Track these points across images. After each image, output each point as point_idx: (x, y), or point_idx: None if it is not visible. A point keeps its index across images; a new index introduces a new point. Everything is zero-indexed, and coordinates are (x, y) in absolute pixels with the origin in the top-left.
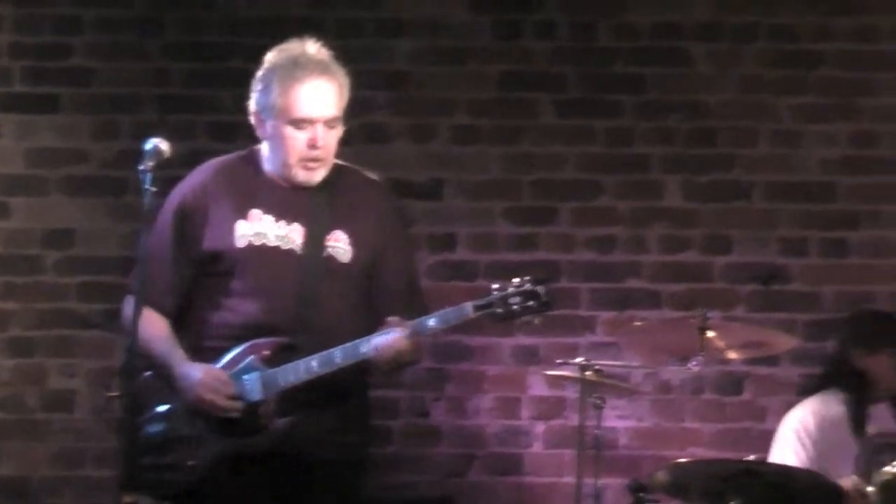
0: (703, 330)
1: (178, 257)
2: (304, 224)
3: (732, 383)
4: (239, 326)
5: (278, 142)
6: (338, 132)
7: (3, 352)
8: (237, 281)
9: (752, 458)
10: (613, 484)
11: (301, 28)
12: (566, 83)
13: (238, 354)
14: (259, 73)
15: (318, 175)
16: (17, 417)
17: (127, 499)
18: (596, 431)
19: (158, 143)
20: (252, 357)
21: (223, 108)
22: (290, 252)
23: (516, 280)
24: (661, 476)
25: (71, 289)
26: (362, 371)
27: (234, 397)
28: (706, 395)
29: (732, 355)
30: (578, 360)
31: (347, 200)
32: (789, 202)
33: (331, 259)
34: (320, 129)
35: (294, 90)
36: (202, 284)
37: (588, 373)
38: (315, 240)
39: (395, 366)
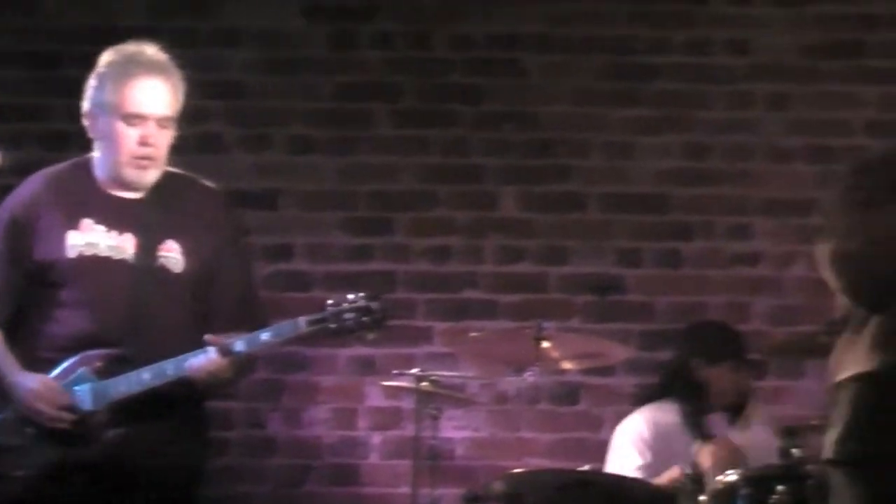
0: (538, 340)
1: (10, 269)
2: (135, 234)
3: (568, 393)
4: (70, 338)
5: (110, 139)
6: (170, 133)
7: None
8: (68, 292)
9: (587, 467)
10: (449, 494)
11: (135, 36)
12: (402, 93)
13: (70, 365)
14: (94, 73)
15: (150, 175)
16: None
17: None
18: (432, 442)
19: None
20: (84, 368)
21: (54, 117)
22: (122, 262)
23: (351, 296)
24: (497, 486)
25: None
26: (195, 383)
27: (65, 408)
28: (542, 405)
29: (568, 365)
30: (415, 370)
31: (181, 209)
32: (624, 213)
33: (163, 269)
34: (152, 127)
35: (128, 86)
36: (34, 295)
37: (424, 383)
38: (147, 249)
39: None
